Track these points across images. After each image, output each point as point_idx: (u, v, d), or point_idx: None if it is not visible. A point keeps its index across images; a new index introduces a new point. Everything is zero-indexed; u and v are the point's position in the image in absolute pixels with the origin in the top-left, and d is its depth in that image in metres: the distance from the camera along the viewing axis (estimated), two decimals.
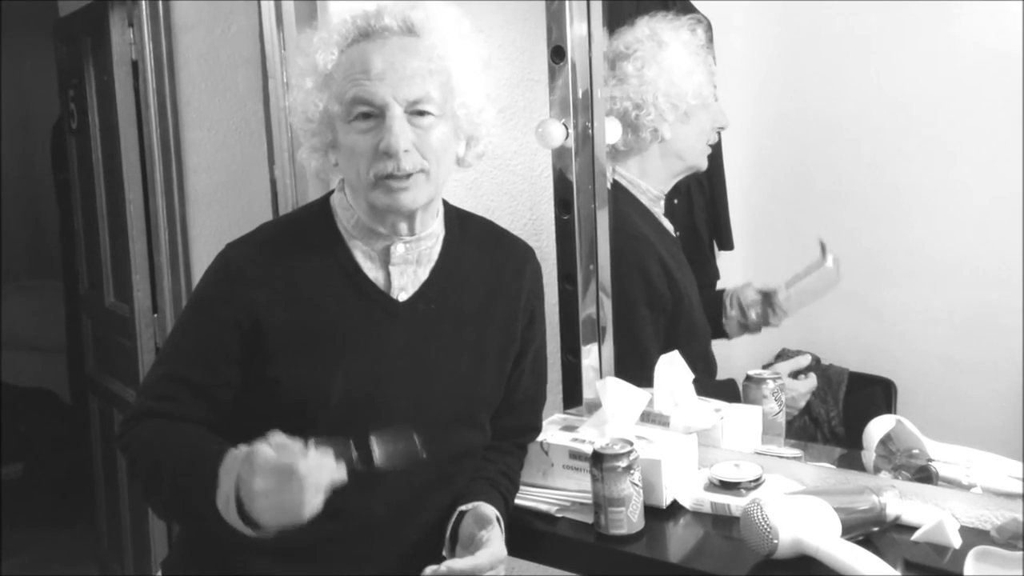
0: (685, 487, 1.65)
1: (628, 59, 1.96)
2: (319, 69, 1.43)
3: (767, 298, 2.01)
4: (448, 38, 1.44)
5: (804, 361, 1.98)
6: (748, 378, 1.88)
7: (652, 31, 1.96)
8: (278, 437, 1.22)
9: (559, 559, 1.64)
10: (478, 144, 1.52)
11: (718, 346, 2.06)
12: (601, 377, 1.89)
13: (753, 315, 2.02)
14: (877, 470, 1.66)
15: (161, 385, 1.44)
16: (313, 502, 1.21)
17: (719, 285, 2.14)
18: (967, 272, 1.92)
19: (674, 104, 1.95)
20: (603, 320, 1.91)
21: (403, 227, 1.46)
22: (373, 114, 1.38)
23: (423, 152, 1.39)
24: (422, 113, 1.39)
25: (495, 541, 1.42)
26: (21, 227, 5.38)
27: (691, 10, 2.04)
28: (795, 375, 1.97)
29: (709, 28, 2.00)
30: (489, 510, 1.47)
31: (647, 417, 1.78)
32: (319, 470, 1.21)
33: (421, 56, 1.40)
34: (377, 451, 1.27)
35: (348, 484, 1.24)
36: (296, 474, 1.19)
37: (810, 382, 1.96)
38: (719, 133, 2.02)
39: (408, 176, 1.38)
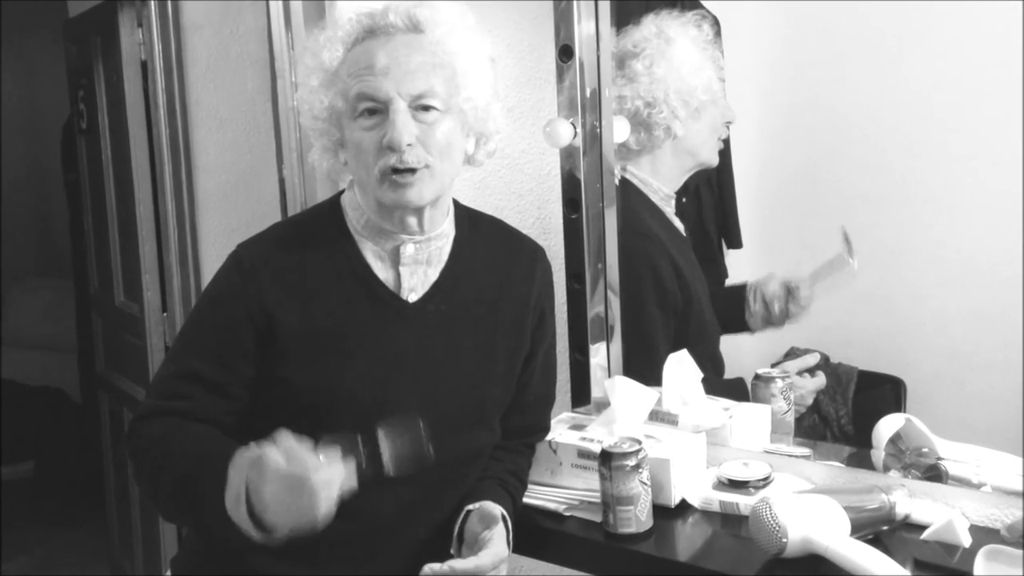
0: (694, 486, 1.65)
1: (637, 57, 1.95)
2: (325, 67, 1.43)
3: (790, 292, 2.00)
4: (453, 33, 1.43)
5: (812, 360, 1.97)
6: (757, 377, 1.87)
7: (659, 28, 1.96)
8: (286, 440, 1.21)
9: (567, 558, 1.64)
10: (488, 142, 1.52)
11: (726, 345, 2.05)
12: (609, 376, 1.89)
13: (776, 308, 2.01)
14: (886, 469, 1.65)
15: (174, 383, 1.43)
16: (327, 509, 1.21)
17: (732, 281, 2.13)
18: (977, 269, 1.91)
19: (685, 100, 1.95)
20: (611, 319, 1.91)
21: (412, 223, 1.45)
22: (378, 110, 1.38)
23: (427, 147, 1.39)
24: (427, 108, 1.39)
25: (497, 540, 1.42)
26: (31, 226, 5.39)
27: (697, 6, 2.04)
28: (803, 374, 1.96)
29: (714, 23, 2.00)
30: (494, 508, 1.47)
31: (656, 416, 1.78)
32: (331, 481, 1.21)
33: (425, 51, 1.40)
34: (385, 445, 1.27)
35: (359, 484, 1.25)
36: (308, 484, 1.19)
37: (818, 380, 1.96)
38: (728, 127, 2.02)
39: (412, 171, 1.38)
